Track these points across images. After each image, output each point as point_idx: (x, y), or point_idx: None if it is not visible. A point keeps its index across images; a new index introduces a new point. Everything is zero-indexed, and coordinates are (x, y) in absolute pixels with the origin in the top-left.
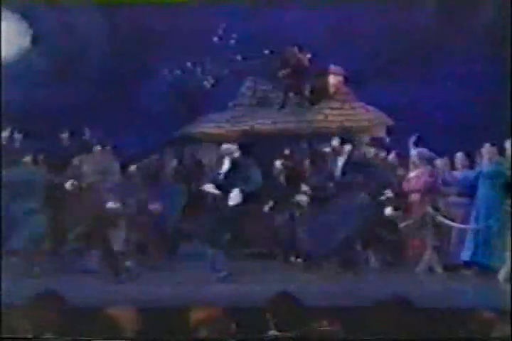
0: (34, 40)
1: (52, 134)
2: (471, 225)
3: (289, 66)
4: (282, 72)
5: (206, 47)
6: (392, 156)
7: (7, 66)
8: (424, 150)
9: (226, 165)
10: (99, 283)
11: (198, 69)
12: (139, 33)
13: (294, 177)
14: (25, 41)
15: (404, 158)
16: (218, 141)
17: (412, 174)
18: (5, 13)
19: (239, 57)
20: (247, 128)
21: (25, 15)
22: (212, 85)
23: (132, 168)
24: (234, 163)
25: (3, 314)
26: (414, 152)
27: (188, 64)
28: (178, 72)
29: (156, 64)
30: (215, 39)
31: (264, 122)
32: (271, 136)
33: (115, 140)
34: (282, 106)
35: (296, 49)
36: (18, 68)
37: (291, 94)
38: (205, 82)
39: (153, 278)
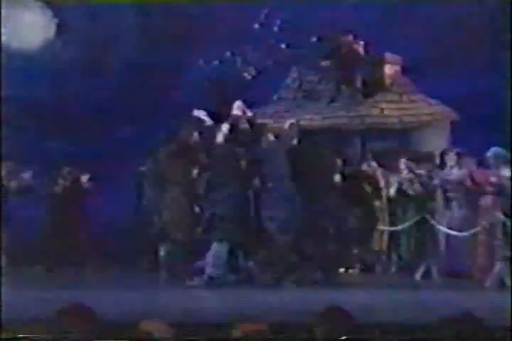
0: (59, 30)
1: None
2: None
3: (339, 55)
4: (332, 62)
5: (246, 35)
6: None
7: (30, 58)
8: (499, 150)
9: None
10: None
11: (238, 60)
12: (172, 20)
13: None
14: (50, 31)
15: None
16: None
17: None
18: (28, 2)
19: (283, 46)
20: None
21: (50, 3)
22: (254, 77)
23: None
24: None
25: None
26: (489, 152)
27: (227, 54)
28: (216, 62)
29: (190, 54)
30: (256, 26)
31: (311, 117)
32: (319, 133)
33: (148, 139)
34: (332, 100)
35: (347, 35)
36: (42, 60)
37: (342, 86)
38: (246, 74)
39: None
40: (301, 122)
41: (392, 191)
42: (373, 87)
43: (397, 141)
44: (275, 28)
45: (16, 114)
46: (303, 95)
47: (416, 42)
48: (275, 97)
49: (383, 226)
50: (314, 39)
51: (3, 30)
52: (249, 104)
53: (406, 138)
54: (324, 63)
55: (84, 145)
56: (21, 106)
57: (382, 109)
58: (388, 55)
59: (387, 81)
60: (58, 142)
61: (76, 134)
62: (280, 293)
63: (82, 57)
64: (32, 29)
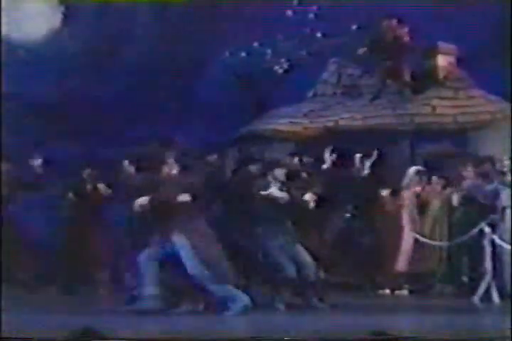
0: (66, 20)
1: (88, 132)
2: None
3: (383, 43)
4: (375, 52)
5: (278, 23)
6: None
7: (34, 50)
8: None
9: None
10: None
11: (268, 51)
12: (194, 7)
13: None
14: (56, 21)
15: None
16: (293, 140)
17: None
18: None
19: (319, 35)
20: (330, 124)
21: None
22: (286, 70)
23: None
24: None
25: None
26: None
27: (255, 44)
28: (243, 54)
29: (214, 45)
30: (289, 13)
31: (352, 117)
32: (360, 134)
33: (168, 137)
34: (376, 96)
35: (393, 22)
36: (46, 52)
37: (387, 81)
38: (277, 67)
39: None
40: (341, 122)
41: (455, 200)
42: (424, 81)
43: (451, 144)
44: (310, 15)
45: (19, 110)
46: (342, 91)
47: (471, 30)
48: (310, 94)
49: (434, 241)
50: (354, 27)
51: (3, 21)
52: (279, 102)
53: (462, 140)
54: (364, 53)
55: (93, 144)
56: (24, 103)
57: (434, 107)
58: (442, 44)
59: (441, 74)
60: (63, 140)
61: (84, 133)
62: (319, 316)
63: (91, 50)
64: (36, 19)
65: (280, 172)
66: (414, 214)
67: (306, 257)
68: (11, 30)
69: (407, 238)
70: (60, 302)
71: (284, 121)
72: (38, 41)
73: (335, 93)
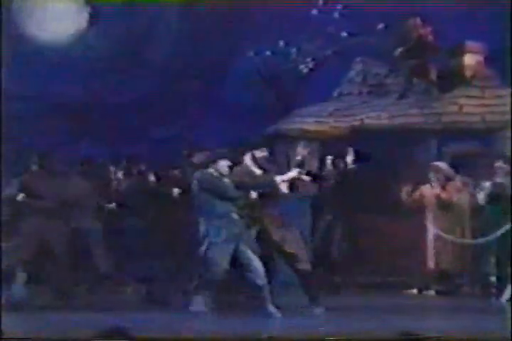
0: (92, 20)
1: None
2: None
3: (410, 42)
4: (401, 51)
5: (303, 22)
6: None
7: (61, 50)
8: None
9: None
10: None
11: (293, 50)
12: (219, 6)
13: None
14: (82, 21)
15: None
16: (319, 139)
17: None
18: None
19: (344, 34)
20: (356, 123)
21: None
22: (311, 69)
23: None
24: None
25: None
26: None
27: (280, 43)
28: (268, 53)
29: (239, 44)
30: (314, 12)
31: (378, 116)
32: (387, 133)
33: (192, 138)
34: (403, 95)
35: (418, 20)
36: (73, 53)
37: (414, 79)
38: (302, 66)
39: None
40: (366, 121)
41: (481, 198)
42: (451, 79)
43: (478, 143)
44: (335, 14)
45: (45, 111)
46: (368, 90)
47: (499, 28)
48: (336, 93)
49: (462, 240)
50: (381, 26)
51: (30, 22)
52: (305, 101)
53: (489, 139)
54: (400, 53)
55: (119, 144)
56: (50, 103)
57: (461, 106)
58: (469, 43)
59: (468, 73)
60: (87, 140)
61: (109, 133)
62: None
63: (117, 50)
64: (62, 20)
65: (223, 164)
66: (437, 212)
67: (253, 260)
68: (37, 30)
69: (432, 237)
70: None
71: (309, 121)
72: (65, 41)
73: (361, 92)
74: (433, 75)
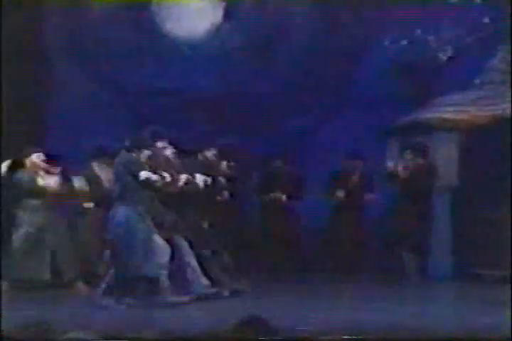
0: (226, 16)
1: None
2: None
3: None
4: None
5: (441, 8)
6: None
7: (197, 45)
8: None
9: None
10: None
11: (431, 38)
12: None
13: None
14: (217, 17)
15: None
16: (460, 128)
17: None
18: None
19: (486, 20)
20: (498, 112)
21: None
22: (451, 57)
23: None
24: None
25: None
26: None
27: (417, 31)
28: (404, 42)
29: (373, 33)
30: None
31: None
32: None
33: (327, 129)
34: None
35: None
36: (209, 47)
37: None
38: (441, 54)
39: None
40: (509, 111)
41: None
42: None
43: None
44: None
45: (183, 106)
46: None
47: None
48: (477, 81)
49: None
50: None
51: (167, 19)
52: (444, 89)
53: None
54: None
55: (255, 137)
56: (188, 98)
57: None
58: None
59: None
60: (226, 134)
61: (247, 126)
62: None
63: (251, 44)
64: (198, 16)
65: (145, 154)
66: None
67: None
68: (174, 27)
69: None
70: None
71: (450, 109)
72: (201, 37)
73: (504, 81)
74: None
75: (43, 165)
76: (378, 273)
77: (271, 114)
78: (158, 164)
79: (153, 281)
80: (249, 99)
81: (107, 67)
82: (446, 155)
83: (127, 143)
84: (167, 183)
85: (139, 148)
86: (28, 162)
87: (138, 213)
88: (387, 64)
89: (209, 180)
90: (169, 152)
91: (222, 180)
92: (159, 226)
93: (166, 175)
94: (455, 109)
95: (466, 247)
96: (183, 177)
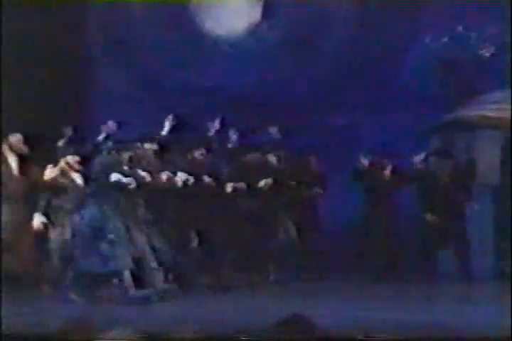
0: (265, 13)
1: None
2: None
3: None
4: None
5: (482, 6)
6: None
7: (236, 42)
8: None
9: None
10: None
11: (473, 35)
12: None
13: None
14: (255, 15)
15: None
16: (502, 126)
17: None
18: None
19: None
20: None
21: None
22: (493, 54)
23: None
24: None
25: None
26: None
27: (459, 28)
28: (446, 39)
29: (415, 30)
30: None
31: None
32: None
33: (365, 126)
34: None
35: None
36: (247, 44)
37: None
38: (483, 51)
39: None
40: None
41: None
42: None
43: None
44: None
45: (223, 103)
46: None
47: None
48: None
49: None
50: None
51: (206, 17)
52: (486, 87)
53: None
54: None
55: (296, 134)
56: (228, 96)
57: None
58: None
59: None
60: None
61: (287, 123)
62: None
63: (290, 42)
64: (237, 14)
65: (125, 156)
66: None
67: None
68: (213, 26)
69: None
70: None
71: (492, 107)
72: (240, 36)
73: None
74: None
75: (77, 166)
76: (415, 272)
77: (311, 111)
78: (139, 164)
79: (118, 276)
80: (289, 97)
81: (146, 66)
82: (488, 154)
83: (110, 145)
84: (146, 183)
85: (121, 149)
86: (62, 162)
87: (106, 212)
88: (429, 61)
89: (191, 179)
90: (152, 152)
91: (207, 179)
92: (129, 226)
93: (144, 174)
94: (497, 106)
95: (507, 247)
96: (164, 176)
